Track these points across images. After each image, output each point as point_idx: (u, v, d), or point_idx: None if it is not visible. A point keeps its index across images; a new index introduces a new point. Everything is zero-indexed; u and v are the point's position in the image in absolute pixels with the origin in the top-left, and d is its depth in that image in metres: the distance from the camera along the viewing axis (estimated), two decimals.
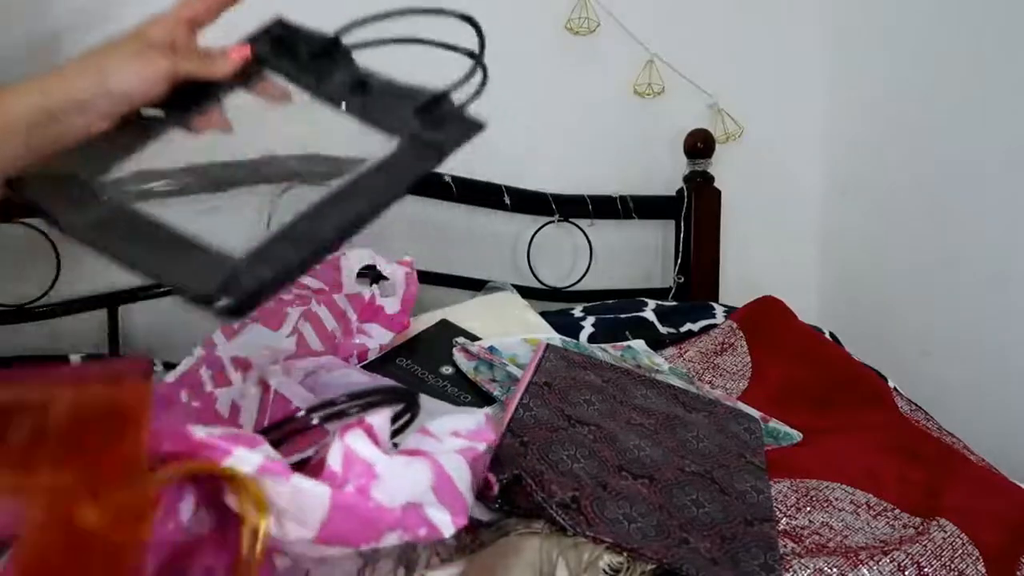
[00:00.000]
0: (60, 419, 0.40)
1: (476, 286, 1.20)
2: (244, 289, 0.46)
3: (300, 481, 0.41)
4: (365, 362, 0.81)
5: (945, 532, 0.66)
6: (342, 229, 0.52)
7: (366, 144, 0.58)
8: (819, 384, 0.96)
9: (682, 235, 1.35)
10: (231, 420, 0.66)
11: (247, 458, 0.41)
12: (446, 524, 0.45)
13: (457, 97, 0.58)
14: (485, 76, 0.59)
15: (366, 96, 0.60)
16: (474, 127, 0.58)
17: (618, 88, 1.35)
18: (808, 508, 0.69)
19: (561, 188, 1.29)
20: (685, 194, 1.35)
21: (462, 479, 0.48)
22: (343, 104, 0.60)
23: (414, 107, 0.58)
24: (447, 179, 1.17)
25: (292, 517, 0.41)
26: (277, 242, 0.50)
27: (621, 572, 0.56)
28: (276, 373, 0.68)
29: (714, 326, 1.10)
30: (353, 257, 0.92)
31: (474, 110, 0.58)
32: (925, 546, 0.63)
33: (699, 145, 1.32)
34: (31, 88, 0.55)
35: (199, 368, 0.79)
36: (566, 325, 1.05)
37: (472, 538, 0.57)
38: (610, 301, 1.21)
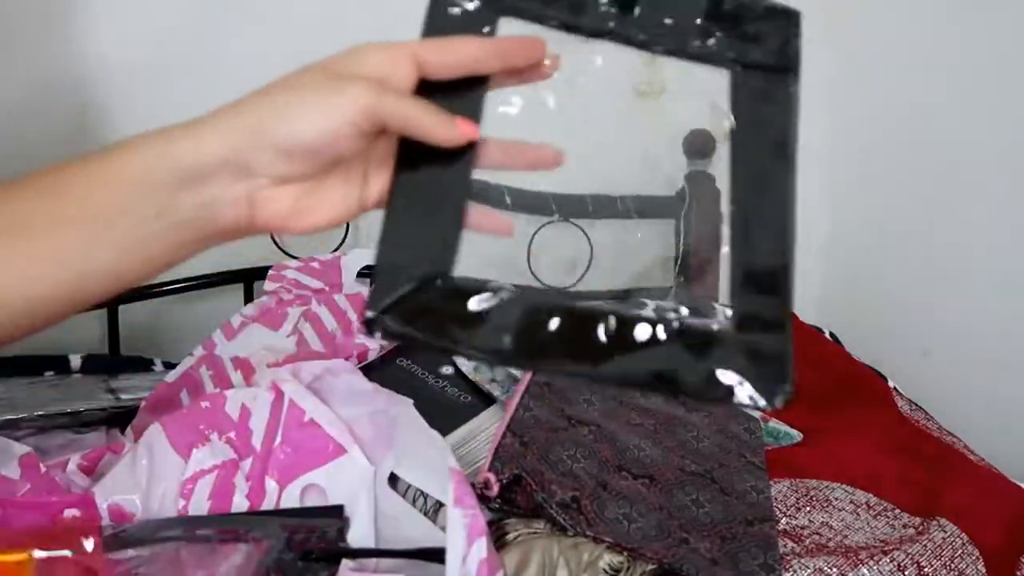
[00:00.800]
0: None
1: None
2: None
3: None
4: (365, 362, 0.81)
5: (945, 532, 0.66)
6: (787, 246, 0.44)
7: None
8: (819, 384, 0.96)
9: (682, 235, 1.35)
10: (241, 423, 0.66)
11: None
12: None
13: None
14: None
15: (637, 15, 0.45)
16: (791, 16, 0.45)
17: (618, 87, 1.35)
18: (808, 508, 0.69)
19: (561, 188, 1.29)
20: (685, 194, 1.34)
21: None
22: (639, 38, 0.44)
23: (702, 11, 0.45)
24: None
25: None
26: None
27: (621, 572, 0.56)
28: (287, 379, 0.68)
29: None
30: (353, 257, 0.91)
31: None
32: (925, 546, 0.63)
33: (699, 145, 1.32)
34: (155, 144, 0.40)
35: (199, 368, 0.79)
36: None
37: None
38: (610, 301, 1.21)
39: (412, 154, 0.42)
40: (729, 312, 0.44)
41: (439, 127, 0.40)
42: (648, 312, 0.44)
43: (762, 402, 0.41)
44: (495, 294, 0.41)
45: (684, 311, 0.44)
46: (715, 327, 0.43)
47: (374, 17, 0.97)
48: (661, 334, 0.43)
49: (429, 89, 0.42)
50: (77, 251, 0.40)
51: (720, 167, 1.35)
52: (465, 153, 0.42)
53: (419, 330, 0.41)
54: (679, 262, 1.35)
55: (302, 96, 0.39)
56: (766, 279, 0.44)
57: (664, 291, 1.34)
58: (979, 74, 1.18)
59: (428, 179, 0.42)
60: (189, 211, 0.40)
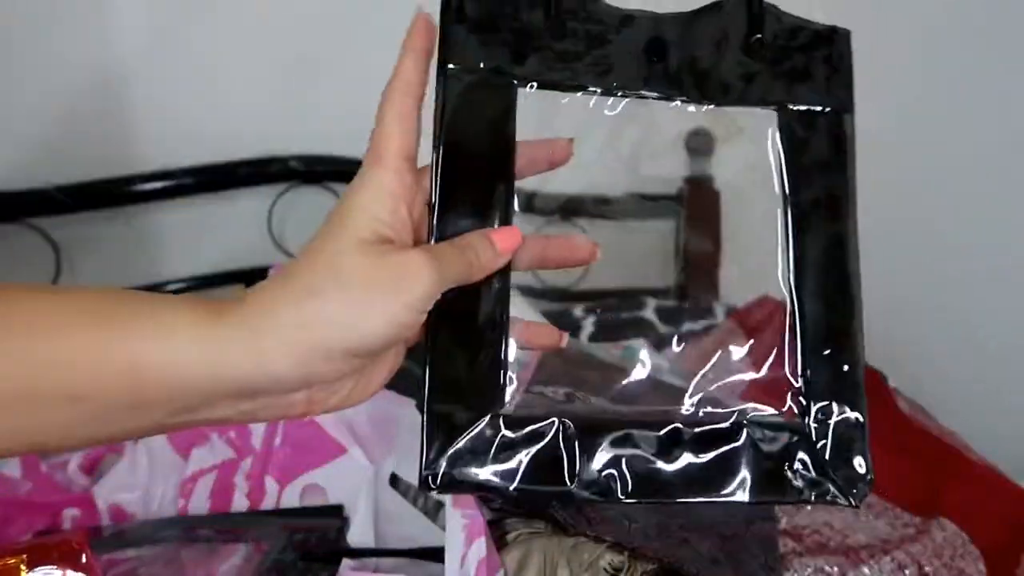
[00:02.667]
0: None
1: None
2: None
3: None
4: None
5: (945, 531, 0.66)
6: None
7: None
8: None
9: (682, 235, 1.35)
10: (240, 425, 0.66)
11: None
12: None
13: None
14: None
15: (668, 61, 0.40)
16: (840, 42, 0.41)
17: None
18: (808, 507, 0.69)
19: (561, 188, 1.29)
20: (685, 194, 1.35)
21: None
22: (684, 94, 0.40)
23: (741, 44, 0.40)
24: None
25: None
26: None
27: (622, 572, 0.56)
28: None
29: (714, 326, 1.10)
30: None
31: None
32: (925, 545, 0.63)
33: (699, 145, 1.32)
34: (205, 348, 0.33)
35: None
36: (566, 325, 1.05)
37: None
38: (610, 301, 1.21)
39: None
40: (802, 398, 0.40)
41: (483, 271, 0.38)
42: (681, 383, 0.41)
43: (842, 500, 0.39)
44: (548, 426, 0.38)
45: (750, 411, 0.40)
46: (786, 420, 0.40)
47: (376, 16, 0.97)
48: (730, 442, 0.39)
49: (452, 186, 0.38)
50: (61, 430, 0.32)
51: (720, 167, 1.35)
52: (500, 270, 0.39)
53: (485, 475, 0.37)
54: (679, 262, 1.35)
55: (373, 297, 0.34)
56: (833, 357, 0.40)
57: (664, 291, 1.34)
58: (981, 72, 1.18)
59: (463, 311, 0.38)
60: (228, 413, 0.35)
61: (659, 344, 1.05)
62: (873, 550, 0.62)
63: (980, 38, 1.19)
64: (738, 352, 1.03)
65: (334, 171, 1.07)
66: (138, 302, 0.34)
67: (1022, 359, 1.14)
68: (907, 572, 0.61)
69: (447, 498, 0.51)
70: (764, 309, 1.11)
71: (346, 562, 0.56)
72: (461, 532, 0.50)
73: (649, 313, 1.12)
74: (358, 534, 0.61)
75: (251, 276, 1.03)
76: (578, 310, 1.12)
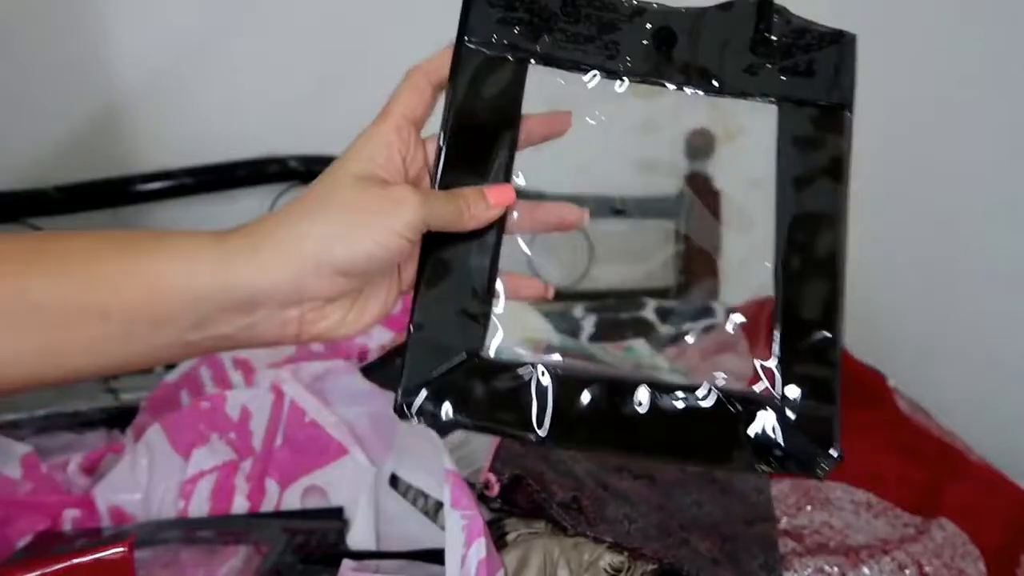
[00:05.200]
0: None
1: None
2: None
3: None
4: (365, 363, 0.81)
5: (945, 531, 0.66)
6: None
7: None
8: None
9: (682, 235, 1.35)
10: (241, 423, 0.66)
11: None
12: None
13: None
14: None
15: (676, 51, 0.42)
16: (846, 44, 0.42)
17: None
18: (808, 507, 0.69)
19: (561, 188, 1.29)
20: (685, 194, 1.34)
21: None
22: (678, 78, 0.42)
23: (750, 38, 0.42)
24: None
25: None
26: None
27: (622, 572, 0.56)
28: (288, 380, 0.68)
29: (714, 326, 1.10)
30: None
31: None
32: (925, 545, 0.64)
33: (699, 145, 1.32)
34: (210, 261, 0.38)
35: (199, 368, 0.79)
36: (566, 325, 1.05)
37: None
38: (610, 301, 1.21)
39: (437, 234, 0.41)
40: (775, 369, 0.42)
41: (475, 219, 0.41)
42: (681, 379, 0.42)
43: (807, 472, 0.41)
44: (526, 372, 0.40)
45: (721, 377, 0.42)
46: (758, 391, 0.42)
47: (376, 17, 0.97)
48: (701, 402, 0.41)
49: (458, 146, 0.41)
50: (91, 347, 0.37)
51: (720, 167, 1.35)
52: (492, 224, 0.42)
53: (456, 411, 0.40)
54: (679, 262, 1.35)
55: (361, 218, 0.38)
56: (813, 337, 0.42)
57: (664, 291, 1.34)
58: (981, 70, 1.18)
59: (455, 257, 0.41)
60: (231, 328, 0.39)
61: (659, 344, 1.06)
62: (873, 550, 0.62)
63: (996, 35, 1.19)
64: (734, 348, 1.03)
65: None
66: (161, 234, 0.39)
67: (1022, 359, 1.13)
68: (907, 572, 0.61)
69: (447, 498, 0.51)
70: (765, 308, 1.11)
71: (346, 563, 0.56)
72: (461, 532, 0.50)
73: (649, 313, 1.12)
74: (359, 536, 0.61)
75: None
76: (578, 310, 1.12)
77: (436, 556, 0.53)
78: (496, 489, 0.59)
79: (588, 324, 1.07)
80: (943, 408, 0.99)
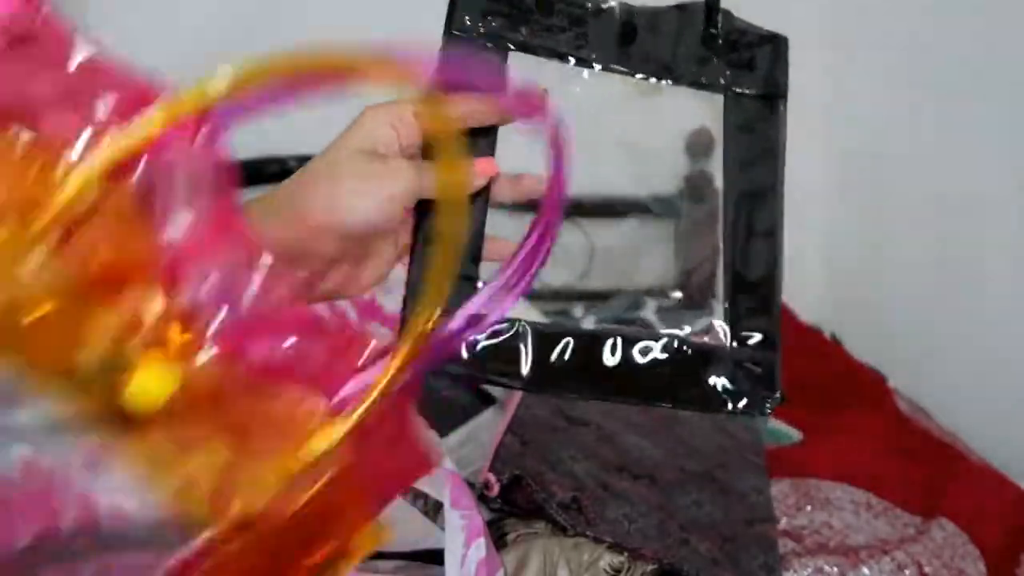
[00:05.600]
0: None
1: None
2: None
3: None
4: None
5: (945, 531, 0.66)
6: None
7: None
8: (819, 384, 0.96)
9: (682, 235, 1.35)
10: None
11: None
12: None
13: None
14: None
15: (637, 44, 0.48)
16: (780, 43, 0.49)
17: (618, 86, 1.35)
18: (808, 507, 0.69)
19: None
20: (685, 194, 1.35)
21: None
22: (637, 67, 0.48)
23: (700, 35, 0.48)
24: None
25: None
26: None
27: (622, 572, 0.56)
28: None
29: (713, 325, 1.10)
30: None
31: None
32: (925, 545, 0.64)
33: (699, 145, 1.32)
34: None
35: None
36: (566, 325, 1.05)
37: None
38: (610, 301, 1.21)
39: (430, 202, 0.44)
40: (724, 324, 0.48)
41: (464, 188, 0.44)
42: (651, 331, 0.47)
43: (754, 410, 0.46)
44: (510, 326, 0.44)
45: (685, 330, 0.47)
46: (712, 343, 0.47)
47: (386, 21, 0.97)
48: (663, 353, 0.46)
49: None
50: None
51: (720, 167, 1.35)
52: (480, 192, 0.46)
53: (447, 363, 0.43)
54: (679, 262, 1.35)
55: (363, 187, 0.42)
56: (757, 295, 0.48)
57: (664, 290, 1.34)
58: (981, 71, 1.18)
59: None
60: None
61: None
62: (873, 550, 0.62)
63: (996, 35, 1.19)
64: None
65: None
66: None
67: (1022, 360, 1.13)
68: (907, 572, 0.61)
69: (446, 498, 0.51)
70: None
71: None
72: (461, 532, 0.50)
73: (649, 313, 1.12)
74: None
75: None
76: (578, 310, 1.12)
77: (436, 556, 0.53)
78: (496, 489, 0.59)
79: (588, 324, 1.07)
80: (943, 408, 0.99)
